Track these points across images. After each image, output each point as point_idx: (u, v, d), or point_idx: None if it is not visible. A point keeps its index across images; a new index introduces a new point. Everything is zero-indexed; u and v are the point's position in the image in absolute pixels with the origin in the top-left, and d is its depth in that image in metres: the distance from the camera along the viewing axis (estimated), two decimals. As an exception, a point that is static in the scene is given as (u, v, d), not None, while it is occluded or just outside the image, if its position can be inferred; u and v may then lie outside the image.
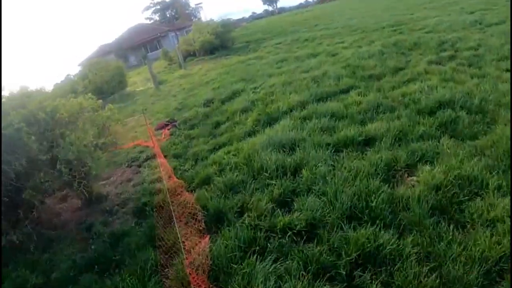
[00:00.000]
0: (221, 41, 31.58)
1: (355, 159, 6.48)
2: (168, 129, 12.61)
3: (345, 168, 6.17)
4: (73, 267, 6.05)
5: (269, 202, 5.75)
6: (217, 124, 11.28)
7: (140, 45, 53.32)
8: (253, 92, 13.28)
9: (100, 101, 9.85)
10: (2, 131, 6.68)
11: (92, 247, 6.57)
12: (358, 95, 9.75)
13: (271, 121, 9.73)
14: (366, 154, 6.58)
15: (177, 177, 8.15)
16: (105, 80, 23.54)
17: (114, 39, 57.99)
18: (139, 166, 10.38)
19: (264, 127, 9.52)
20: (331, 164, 6.43)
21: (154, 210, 7.09)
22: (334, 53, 17.12)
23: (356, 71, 12.38)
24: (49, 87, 26.79)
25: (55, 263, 6.47)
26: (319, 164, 6.38)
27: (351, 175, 5.88)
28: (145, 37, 53.26)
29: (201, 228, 5.84)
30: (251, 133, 9.51)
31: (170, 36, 52.78)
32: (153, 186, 8.39)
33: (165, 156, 9.97)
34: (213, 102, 13.76)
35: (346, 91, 10.57)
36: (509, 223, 4.20)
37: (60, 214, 8.65)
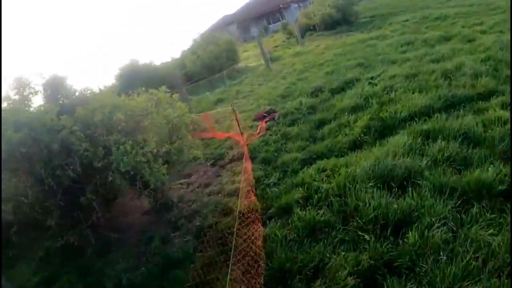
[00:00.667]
0: (343, 15, 28.79)
1: (489, 225, 4.29)
2: (266, 122, 11.17)
3: (472, 242, 4.10)
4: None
5: (352, 276, 4.13)
6: (320, 124, 9.64)
7: (262, 16, 52.15)
8: (369, 83, 11.22)
9: (176, 95, 8.75)
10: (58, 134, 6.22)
11: (143, 268, 6.07)
12: (502, 108, 7.16)
13: (384, 130, 7.85)
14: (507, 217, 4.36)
15: (256, 194, 6.96)
16: (214, 56, 22.67)
17: (237, 9, 57.59)
18: (223, 167, 9.38)
19: (375, 137, 7.70)
20: (452, 229, 4.39)
21: (217, 240, 6.09)
22: (470, 38, 13.85)
23: (498, 67, 9.44)
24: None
25: (105, 273, 6.26)
26: (435, 225, 4.43)
27: (480, 256, 3.89)
28: (268, 8, 51.88)
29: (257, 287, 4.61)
30: (356, 144, 7.78)
31: (292, 8, 50.72)
32: (227, 200, 7.32)
33: (253, 159, 8.75)
34: (322, 91, 12.04)
35: (485, 97, 8.01)
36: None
37: (126, 215, 8.13)
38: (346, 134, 8.28)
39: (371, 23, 26.48)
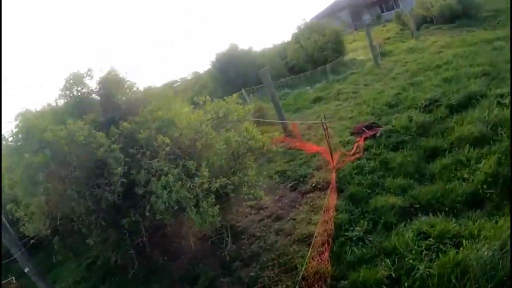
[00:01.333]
0: (464, 7, 25.27)
1: None
2: (365, 139, 9.50)
3: None
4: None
5: None
6: (432, 153, 7.79)
7: (376, 3, 48.72)
8: (498, 103, 8.96)
9: (250, 107, 7.82)
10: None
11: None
12: None
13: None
14: None
15: (332, 250, 5.49)
16: (318, 46, 20.90)
17: (350, -5, 54.56)
18: (303, 194, 8.02)
19: (503, 193, 5.68)
20: None
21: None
22: None
23: None
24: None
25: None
26: None
27: None
28: (382, -6, 48.37)
29: None
30: (476, 200, 5.85)
31: (409, -5, 46.87)
32: (295, 250, 5.94)
33: (340, 192, 7.30)
34: (437, 106, 9.97)
35: None
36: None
37: (177, 239, 7.08)
38: (463, 179, 6.34)
39: (495, 19, 22.85)
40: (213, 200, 5.62)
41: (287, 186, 8.70)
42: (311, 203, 7.46)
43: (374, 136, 9.49)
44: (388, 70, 16.78)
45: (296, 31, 24.15)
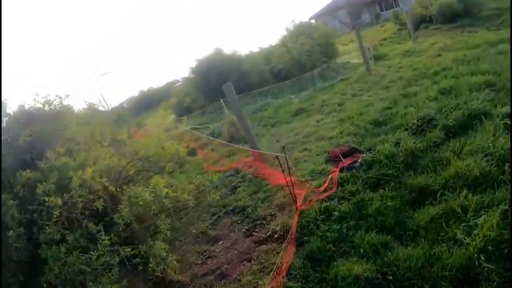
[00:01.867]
0: (465, 6, 23.46)
1: None
2: (341, 169, 7.87)
3: None
4: None
5: None
6: (419, 196, 6.08)
7: (375, 1, 47.00)
8: (504, 125, 7.33)
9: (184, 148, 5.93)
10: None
11: None
12: None
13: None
14: None
15: None
16: (305, 50, 19.16)
17: (348, -7, 52.83)
18: (258, 243, 6.55)
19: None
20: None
21: None
22: None
23: None
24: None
25: None
26: None
27: None
28: (381, -8, 46.61)
29: None
30: (470, 277, 4.17)
31: (408, -6, 45.11)
32: None
33: (299, 246, 5.79)
34: (433, 127, 8.31)
35: None
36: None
37: None
38: (455, 241, 4.68)
39: (497, 18, 21.08)
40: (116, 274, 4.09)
41: (243, 230, 7.13)
42: (263, 259, 5.86)
43: (353, 167, 7.84)
44: (380, 77, 15.09)
45: (285, 33, 22.44)
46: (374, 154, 7.94)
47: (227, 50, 22.21)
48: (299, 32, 20.66)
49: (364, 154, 8.14)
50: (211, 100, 20.57)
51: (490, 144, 6.57)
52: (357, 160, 8.01)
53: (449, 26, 22.66)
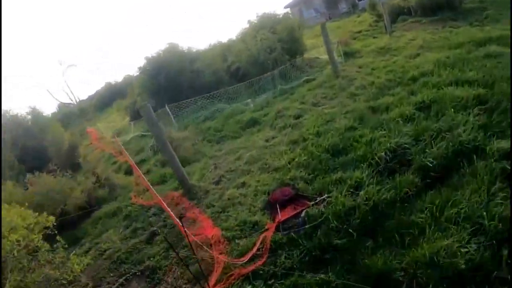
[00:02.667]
0: (446, -2, 21.38)
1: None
2: (280, 222, 5.77)
3: None
4: None
5: None
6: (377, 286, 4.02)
7: (353, -10, 44.65)
8: (501, 171, 5.23)
9: None
10: None
11: None
12: None
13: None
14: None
15: None
16: (265, 46, 16.74)
17: (326, -20, 50.41)
18: None
19: None
20: None
21: None
22: None
23: None
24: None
25: None
26: None
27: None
28: (360, -20, 44.25)
29: None
30: None
31: (386, -19, 42.91)
32: None
33: None
34: (405, 166, 6.31)
35: None
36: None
37: None
38: None
39: (481, 12, 19.16)
40: None
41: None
42: None
43: (293, 223, 5.68)
44: (348, 80, 12.91)
45: (247, 26, 19.85)
46: (324, 207, 5.76)
47: (184, 46, 19.74)
48: (261, 26, 18.16)
49: (311, 204, 5.95)
50: (162, 103, 18.31)
51: (482, 209, 4.45)
52: (300, 214, 5.83)
53: (429, 19, 20.58)
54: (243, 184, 7.90)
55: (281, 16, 19.30)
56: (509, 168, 5.27)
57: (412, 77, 10.80)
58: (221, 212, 7.22)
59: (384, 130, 7.67)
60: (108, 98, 40.30)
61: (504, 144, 5.85)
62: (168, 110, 14.81)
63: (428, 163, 5.92)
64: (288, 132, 9.82)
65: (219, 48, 19.76)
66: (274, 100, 13.87)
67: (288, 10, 44.77)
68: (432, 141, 6.56)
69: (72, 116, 39.45)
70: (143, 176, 8.38)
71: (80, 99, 50.09)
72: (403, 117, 8.04)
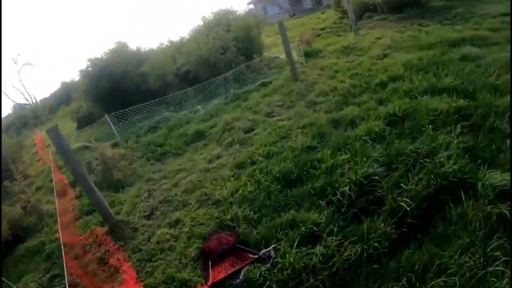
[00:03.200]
0: (413, -6, 20.29)
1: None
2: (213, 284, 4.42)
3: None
4: None
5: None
6: None
7: (316, -15, 43.55)
8: (497, 214, 4.01)
9: None
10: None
11: None
12: None
13: None
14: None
15: None
16: (216, 47, 15.13)
17: (289, -25, 49.18)
18: None
19: None
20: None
21: None
22: None
23: None
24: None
25: None
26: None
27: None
28: (325, -25, 43.15)
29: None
30: None
31: (354, -23, 41.94)
32: None
33: None
34: (373, 210, 4.99)
35: None
36: None
37: None
38: None
39: (450, 10, 18.24)
40: None
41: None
42: None
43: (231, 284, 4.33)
44: (308, 85, 11.57)
45: (201, 23, 18.08)
46: (270, 262, 4.36)
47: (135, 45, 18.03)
48: (216, 23, 16.50)
49: (254, 259, 4.55)
50: (108, 110, 16.65)
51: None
52: (239, 273, 4.40)
53: (396, 16, 19.54)
54: (177, 222, 6.44)
55: (238, 12, 17.64)
56: (509, 214, 4.01)
57: (380, 82, 9.56)
58: (148, 260, 5.76)
59: (349, 152, 6.32)
60: (65, 97, 37.92)
61: (499, 177, 4.58)
62: (109, 120, 13.10)
63: (403, 204, 4.57)
64: (235, 151, 8.35)
65: (170, 48, 17.98)
66: (226, 107, 12.40)
67: (251, 6, 43.45)
68: (409, 172, 5.23)
69: (27, 118, 37.05)
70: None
71: (38, 99, 47.50)
72: (371, 134, 6.74)
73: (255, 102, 11.47)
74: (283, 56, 17.37)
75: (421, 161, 5.39)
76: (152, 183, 8.77)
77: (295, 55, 15.84)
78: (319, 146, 7.02)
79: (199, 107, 13.41)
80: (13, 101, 46.14)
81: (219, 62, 14.67)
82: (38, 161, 16.48)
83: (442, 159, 5.19)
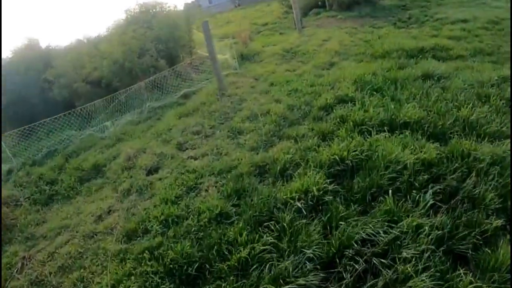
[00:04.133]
0: (364, -8, 18.80)
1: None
2: None
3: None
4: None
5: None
6: None
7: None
8: None
9: None
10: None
11: None
12: None
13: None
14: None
15: None
16: (136, 47, 12.75)
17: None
18: None
19: None
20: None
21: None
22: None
23: None
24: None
25: None
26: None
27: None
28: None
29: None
30: None
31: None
32: None
33: None
34: None
35: None
36: None
37: None
38: None
39: (403, 11, 17.05)
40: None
41: None
42: None
43: None
44: (236, 102, 9.60)
45: (121, 19, 15.54)
46: None
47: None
48: (136, 19, 14.11)
49: None
50: (9, 126, 14.15)
51: None
52: None
53: (346, 14, 17.99)
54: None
55: (167, 5, 15.18)
56: None
57: (324, 105, 7.73)
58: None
59: (274, 231, 4.43)
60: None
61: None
62: (3, 143, 10.67)
63: None
64: (130, 205, 6.31)
65: (85, 46, 15.33)
66: (136, 128, 10.23)
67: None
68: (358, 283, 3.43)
69: None
70: None
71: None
72: (308, 197, 4.84)
73: (168, 125, 9.32)
74: (219, 56, 15.36)
75: (376, 261, 3.60)
76: (30, 244, 6.69)
77: (229, 57, 13.87)
78: (235, 214, 5.08)
79: (108, 123, 11.17)
80: None
81: (135, 67, 12.38)
82: None
83: (408, 267, 3.41)
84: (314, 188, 4.89)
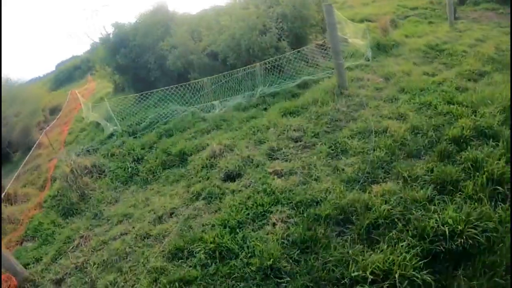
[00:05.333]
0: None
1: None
2: None
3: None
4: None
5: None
6: None
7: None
8: None
9: None
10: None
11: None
12: None
13: None
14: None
15: None
16: (249, 28, 11.75)
17: None
18: None
19: None
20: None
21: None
22: None
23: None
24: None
25: None
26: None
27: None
28: None
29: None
30: None
31: None
32: None
33: None
34: None
35: None
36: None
37: None
38: None
39: None
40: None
41: None
42: None
43: None
44: (352, 107, 8.26)
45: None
46: None
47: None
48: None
49: None
50: (130, 84, 15.47)
51: None
52: None
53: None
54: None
55: None
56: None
57: (458, 137, 6.03)
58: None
59: None
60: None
61: None
62: (109, 107, 10.92)
63: None
64: (194, 211, 5.61)
65: (211, 15, 14.78)
66: (239, 115, 9.54)
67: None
68: None
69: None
70: None
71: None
72: (383, 284, 3.65)
73: (268, 122, 8.31)
74: (352, 40, 13.94)
75: None
76: (94, 223, 6.56)
77: (362, 45, 12.36)
78: (289, 273, 4.06)
79: (216, 102, 10.60)
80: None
81: (254, 45, 11.45)
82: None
83: None
84: (398, 271, 3.62)
